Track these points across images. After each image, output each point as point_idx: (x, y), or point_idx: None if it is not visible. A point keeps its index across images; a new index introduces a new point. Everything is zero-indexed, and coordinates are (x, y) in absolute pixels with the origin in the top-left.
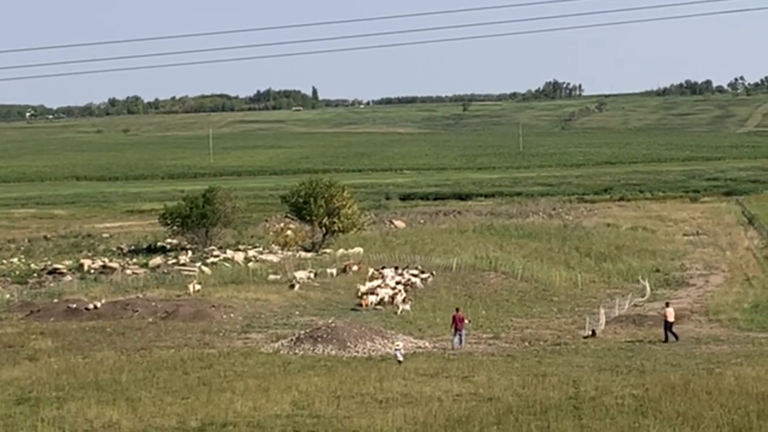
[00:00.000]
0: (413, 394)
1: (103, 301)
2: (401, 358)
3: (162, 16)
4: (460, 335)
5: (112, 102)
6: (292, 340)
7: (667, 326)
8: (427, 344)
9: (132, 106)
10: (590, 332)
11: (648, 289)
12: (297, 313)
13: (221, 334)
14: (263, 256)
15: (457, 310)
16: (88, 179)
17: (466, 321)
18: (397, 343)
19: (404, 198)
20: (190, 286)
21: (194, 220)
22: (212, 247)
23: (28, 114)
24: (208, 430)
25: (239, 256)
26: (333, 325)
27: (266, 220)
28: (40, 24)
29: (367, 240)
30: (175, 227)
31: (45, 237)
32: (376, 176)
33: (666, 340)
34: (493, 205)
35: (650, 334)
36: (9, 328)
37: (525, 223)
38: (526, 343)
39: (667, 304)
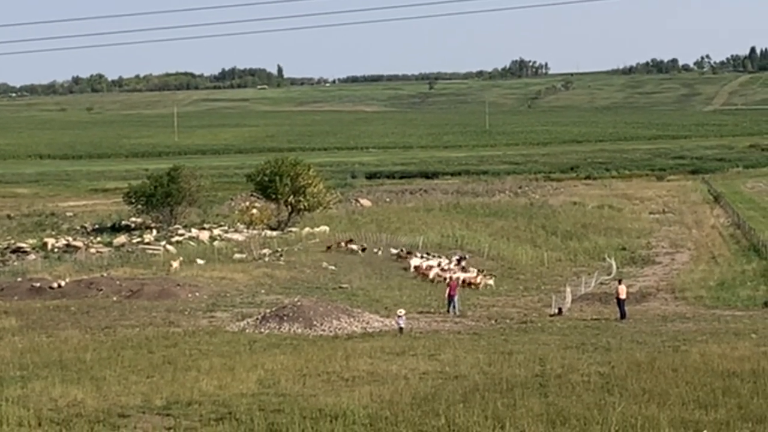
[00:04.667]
0: (379, 372)
1: (67, 280)
2: (403, 325)
3: None
4: (454, 302)
5: (76, 80)
6: (257, 318)
7: (620, 303)
8: (393, 323)
9: (96, 84)
10: (556, 310)
11: (614, 267)
12: (263, 291)
13: (186, 312)
14: (228, 235)
15: (450, 278)
16: (51, 158)
17: (459, 287)
18: (399, 310)
19: (370, 176)
20: (174, 263)
21: (159, 198)
22: (177, 226)
23: None
24: (173, 409)
25: (204, 235)
26: (299, 303)
27: (231, 199)
28: (1, 1)
29: (333, 218)
30: (139, 206)
31: (8, 216)
32: (342, 155)
33: (623, 317)
34: (460, 183)
35: (616, 312)
36: None
37: (491, 201)
38: (493, 321)
39: (620, 281)
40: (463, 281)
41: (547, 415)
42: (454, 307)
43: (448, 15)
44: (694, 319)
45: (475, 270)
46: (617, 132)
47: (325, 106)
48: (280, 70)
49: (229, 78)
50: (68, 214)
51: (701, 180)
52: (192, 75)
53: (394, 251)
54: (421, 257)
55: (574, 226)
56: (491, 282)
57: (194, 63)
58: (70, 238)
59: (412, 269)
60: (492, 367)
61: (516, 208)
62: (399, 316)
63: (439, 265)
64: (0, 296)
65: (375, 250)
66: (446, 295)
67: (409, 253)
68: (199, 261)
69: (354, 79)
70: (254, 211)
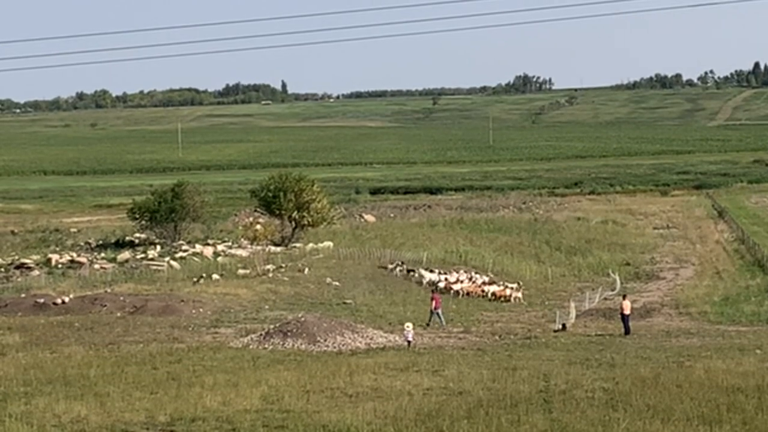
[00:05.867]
0: (383, 389)
1: (71, 296)
2: (411, 339)
3: (130, 9)
4: (437, 314)
5: (80, 96)
6: (261, 334)
7: (624, 318)
8: (397, 338)
9: (100, 100)
10: (561, 326)
11: (618, 282)
12: (266, 307)
13: (190, 328)
14: (232, 251)
15: (433, 291)
16: (55, 174)
17: (440, 300)
18: (407, 324)
19: (374, 192)
20: (214, 276)
21: (163, 214)
22: (181, 242)
23: None
24: (176, 425)
25: (208, 251)
26: (303, 319)
27: (235, 215)
28: (6, 17)
29: (337, 234)
30: (143, 222)
31: (12, 232)
32: (346, 170)
33: (627, 333)
34: (463, 199)
35: (620, 327)
36: None
37: (495, 216)
38: (497, 337)
39: (624, 297)
40: (493, 294)
41: None
42: (439, 317)
43: (452, 31)
44: (699, 335)
45: (504, 284)
46: (621, 147)
47: (329, 122)
48: (284, 85)
49: (233, 94)
50: (72, 230)
51: (705, 195)
52: (196, 91)
53: (423, 272)
54: (439, 273)
55: (578, 242)
56: (519, 295)
57: (198, 79)
58: (74, 254)
59: (425, 285)
60: (496, 383)
61: (520, 223)
62: (406, 330)
63: (458, 280)
64: (4, 312)
65: (413, 273)
66: (432, 308)
67: (446, 274)
68: (215, 276)
69: (358, 95)
70: (258, 226)
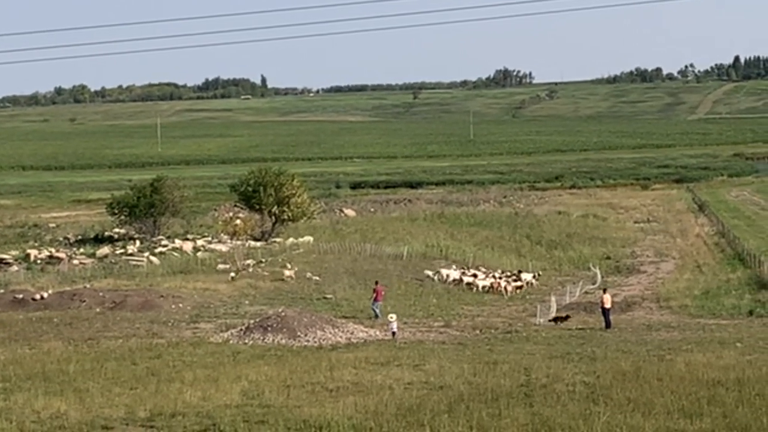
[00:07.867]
0: (364, 383)
1: (49, 292)
2: (395, 330)
3: (108, 3)
4: (376, 307)
5: (59, 91)
6: (241, 329)
7: (605, 312)
8: (377, 333)
9: (78, 94)
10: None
11: (599, 276)
12: (246, 302)
13: (170, 324)
14: (212, 246)
15: (377, 283)
16: (34, 169)
17: (383, 293)
18: (390, 315)
19: (354, 186)
20: (287, 272)
21: (142, 209)
22: (160, 237)
23: None
24: (156, 421)
25: (188, 246)
26: (283, 314)
27: (215, 210)
28: None
29: (317, 229)
30: (122, 217)
31: None
32: (326, 165)
33: (608, 327)
34: (444, 193)
35: (601, 321)
36: None
37: (476, 211)
38: (477, 331)
39: (605, 291)
40: (490, 287)
41: (533, 425)
42: (374, 311)
43: (432, 24)
44: (679, 328)
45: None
46: (602, 141)
47: (309, 116)
48: (263, 80)
49: (212, 88)
50: (51, 225)
51: (686, 189)
52: (175, 85)
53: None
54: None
55: (559, 236)
56: (510, 288)
57: (177, 73)
58: (53, 250)
59: (447, 281)
60: (477, 377)
61: (500, 217)
62: (390, 321)
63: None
64: None
65: (441, 276)
66: (372, 300)
67: (473, 274)
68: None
69: (338, 89)
70: (238, 221)
